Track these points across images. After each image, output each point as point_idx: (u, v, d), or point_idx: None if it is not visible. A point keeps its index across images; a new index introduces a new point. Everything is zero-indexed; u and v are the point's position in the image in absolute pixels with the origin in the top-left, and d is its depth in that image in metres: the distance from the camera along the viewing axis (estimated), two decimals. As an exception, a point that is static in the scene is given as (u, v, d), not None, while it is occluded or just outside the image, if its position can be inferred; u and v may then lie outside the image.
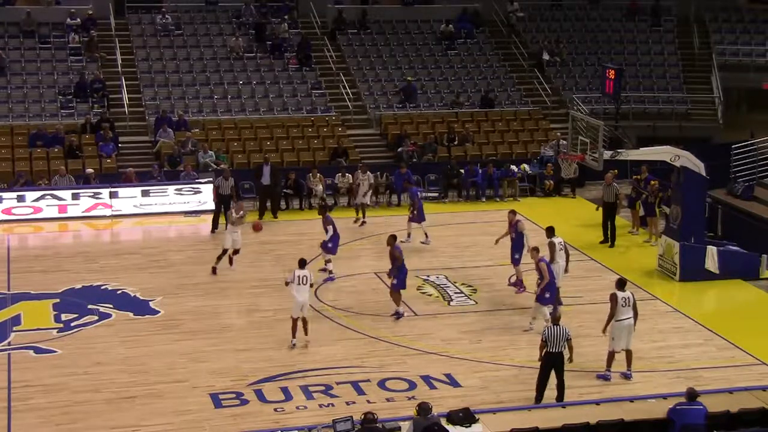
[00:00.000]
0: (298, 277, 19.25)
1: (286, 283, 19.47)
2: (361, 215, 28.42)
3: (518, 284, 22.69)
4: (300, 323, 19.42)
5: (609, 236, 26.54)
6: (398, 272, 20.71)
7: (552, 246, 21.39)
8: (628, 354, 18.26)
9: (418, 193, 26.61)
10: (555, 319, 17.24)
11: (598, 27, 41.74)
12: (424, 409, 14.58)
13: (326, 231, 23.54)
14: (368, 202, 28.96)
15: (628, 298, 18.09)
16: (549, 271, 19.91)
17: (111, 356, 19.08)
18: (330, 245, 23.62)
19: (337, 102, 35.83)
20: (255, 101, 35.25)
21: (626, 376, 18.29)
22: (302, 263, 19.67)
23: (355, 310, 21.50)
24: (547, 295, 20.01)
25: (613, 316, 18.01)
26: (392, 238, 21.19)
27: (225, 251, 24.28)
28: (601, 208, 27.03)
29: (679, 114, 38.14)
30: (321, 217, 23.94)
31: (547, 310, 19.94)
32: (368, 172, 29.14)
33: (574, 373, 18.46)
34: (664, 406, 15.95)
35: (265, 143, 33.26)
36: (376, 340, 19.95)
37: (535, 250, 20.36)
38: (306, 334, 19.47)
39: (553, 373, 17.05)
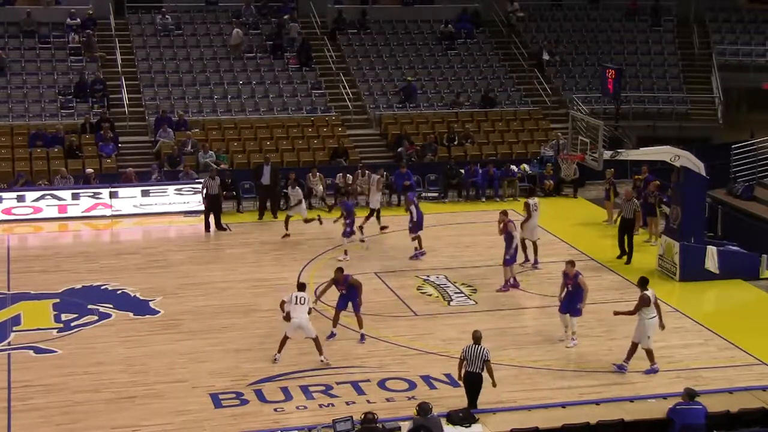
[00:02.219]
0: (296, 297, 18.67)
1: (282, 305, 18.88)
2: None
3: (506, 285, 22.81)
4: (313, 343, 18.76)
5: (627, 252, 25.13)
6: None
7: (527, 206, 24.07)
8: (635, 347, 18.31)
9: (414, 198, 25.79)
10: (476, 339, 16.66)
11: (598, 27, 41.75)
12: (424, 409, 14.58)
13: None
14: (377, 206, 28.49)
15: (654, 295, 18.35)
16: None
17: (111, 356, 19.07)
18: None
19: (337, 102, 35.84)
20: (255, 101, 35.26)
21: (622, 369, 18.35)
22: (301, 287, 19.12)
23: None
24: (579, 306, 19.73)
25: (634, 314, 18.11)
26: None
27: (373, 211, 27.03)
28: (618, 222, 25.83)
29: (679, 114, 38.15)
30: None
31: (575, 321, 19.78)
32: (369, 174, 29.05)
33: (574, 373, 18.51)
34: (664, 406, 15.97)
35: (265, 143, 33.26)
36: (376, 340, 19.95)
37: (571, 263, 19.94)
38: (320, 354, 18.74)
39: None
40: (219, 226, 27.75)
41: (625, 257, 25.16)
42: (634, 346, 18.38)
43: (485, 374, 16.48)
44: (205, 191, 27.64)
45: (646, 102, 38.26)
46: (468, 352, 16.48)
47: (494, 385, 16.62)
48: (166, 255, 25.72)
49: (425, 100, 36.52)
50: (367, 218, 26.89)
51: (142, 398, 17.28)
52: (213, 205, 27.71)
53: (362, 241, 25.90)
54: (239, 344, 19.68)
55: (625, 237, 25.14)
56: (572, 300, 19.67)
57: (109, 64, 35.96)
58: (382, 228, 27.20)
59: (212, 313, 21.39)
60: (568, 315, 19.67)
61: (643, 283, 18.49)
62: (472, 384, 16.48)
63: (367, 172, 30.32)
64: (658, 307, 18.43)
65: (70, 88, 34.39)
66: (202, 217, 28.25)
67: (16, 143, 32.02)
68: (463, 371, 16.60)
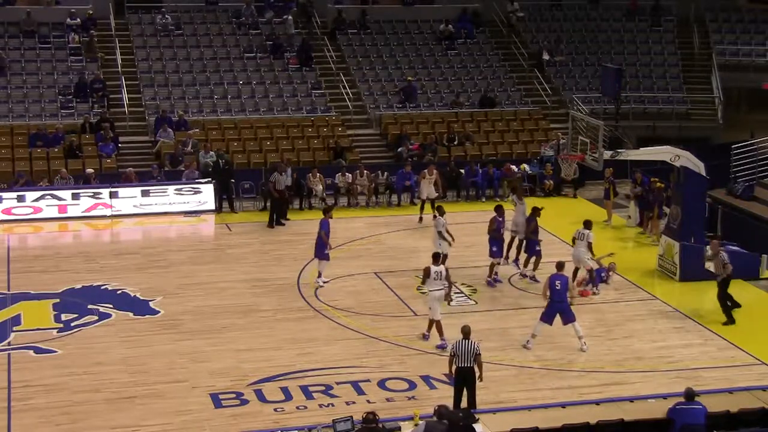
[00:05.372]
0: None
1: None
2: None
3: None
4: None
5: (728, 311, 21.41)
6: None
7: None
8: (437, 324, 19.47)
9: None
10: (465, 333, 16.66)
11: (598, 27, 41.74)
12: (441, 413, 14.47)
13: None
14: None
15: (441, 272, 19.46)
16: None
17: (111, 356, 19.07)
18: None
19: (337, 102, 35.84)
20: (255, 101, 35.25)
21: (425, 337, 19.72)
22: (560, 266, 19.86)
23: (355, 310, 21.49)
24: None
25: (423, 283, 19.77)
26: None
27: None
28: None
29: (679, 114, 38.13)
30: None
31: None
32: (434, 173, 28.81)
33: (574, 373, 18.51)
34: (664, 406, 15.97)
35: (265, 143, 33.26)
36: (375, 340, 19.95)
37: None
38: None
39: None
40: (279, 222, 27.96)
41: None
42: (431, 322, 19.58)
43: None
44: (274, 185, 27.95)
45: (646, 102, 38.24)
46: (458, 348, 16.44)
47: (480, 379, 16.57)
48: (166, 255, 25.72)
49: (425, 100, 36.51)
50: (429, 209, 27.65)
51: (142, 398, 17.28)
52: (281, 199, 28.09)
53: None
54: (239, 344, 19.67)
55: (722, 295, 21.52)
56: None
57: (109, 64, 35.96)
58: (420, 219, 28.24)
59: (212, 313, 21.38)
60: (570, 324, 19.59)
61: (435, 258, 19.83)
62: (465, 379, 16.43)
63: (365, 171, 30.38)
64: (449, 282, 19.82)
65: (70, 88, 34.38)
66: (202, 217, 28.26)
67: (16, 143, 32.01)
68: (453, 367, 16.56)
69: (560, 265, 20.05)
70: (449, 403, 16.26)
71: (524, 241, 23.74)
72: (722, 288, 21.30)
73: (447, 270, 19.85)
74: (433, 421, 14.49)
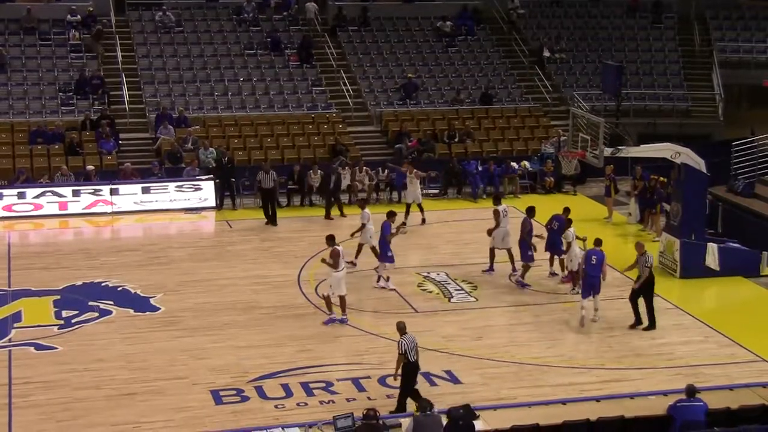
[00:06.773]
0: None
1: None
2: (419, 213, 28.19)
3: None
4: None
5: (648, 317, 20.46)
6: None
7: (497, 213, 23.32)
8: (342, 299, 20.33)
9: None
10: (402, 329, 16.49)
11: (599, 24, 41.73)
12: (424, 406, 14.57)
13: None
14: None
15: (342, 252, 20.40)
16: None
17: (111, 353, 19.08)
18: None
19: (337, 99, 35.83)
20: (256, 98, 35.24)
21: (342, 321, 20.36)
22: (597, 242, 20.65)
23: (355, 306, 21.47)
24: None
25: (335, 267, 20.05)
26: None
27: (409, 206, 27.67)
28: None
29: (680, 111, 38.13)
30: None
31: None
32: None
33: (575, 370, 18.51)
34: (664, 402, 15.97)
35: (266, 140, 33.26)
36: (376, 337, 19.95)
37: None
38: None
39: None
40: (272, 221, 27.93)
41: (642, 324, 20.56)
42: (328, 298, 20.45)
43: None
44: (259, 185, 27.97)
45: (646, 99, 38.22)
46: (409, 343, 16.28)
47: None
48: (167, 252, 25.73)
49: (426, 97, 36.52)
50: (406, 214, 27.39)
51: (143, 395, 17.29)
52: (268, 199, 28.05)
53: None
54: (240, 341, 19.68)
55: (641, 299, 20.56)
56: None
57: (109, 60, 35.95)
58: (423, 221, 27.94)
59: (213, 310, 21.39)
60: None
61: (331, 239, 20.41)
62: (415, 373, 16.44)
63: (365, 168, 30.37)
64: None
65: (71, 85, 34.39)
66: (203, 213, 28.24)
67: (17, 140, 32.01)
68: (400, 366, 16.35)
69: (598, 241, 20.71)
70: (448, 401, 16.31)
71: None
72: (647, 290, 20.31)
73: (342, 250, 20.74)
74: (420, 415, 14.51)
